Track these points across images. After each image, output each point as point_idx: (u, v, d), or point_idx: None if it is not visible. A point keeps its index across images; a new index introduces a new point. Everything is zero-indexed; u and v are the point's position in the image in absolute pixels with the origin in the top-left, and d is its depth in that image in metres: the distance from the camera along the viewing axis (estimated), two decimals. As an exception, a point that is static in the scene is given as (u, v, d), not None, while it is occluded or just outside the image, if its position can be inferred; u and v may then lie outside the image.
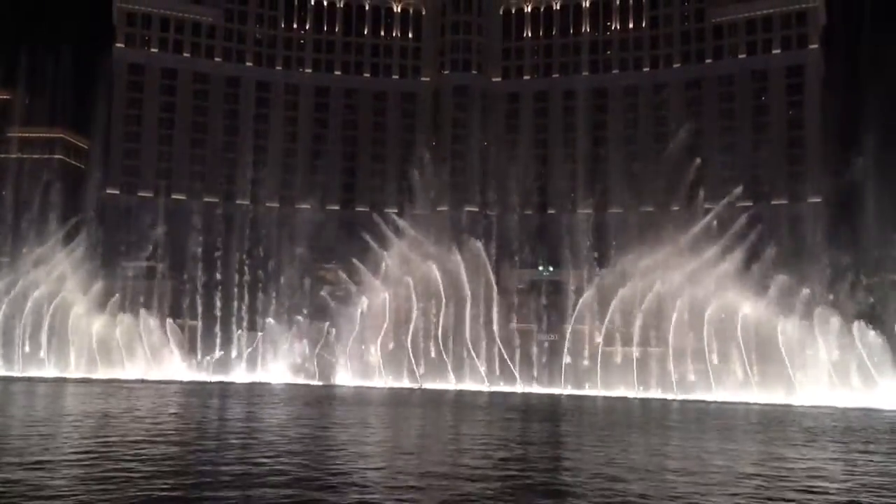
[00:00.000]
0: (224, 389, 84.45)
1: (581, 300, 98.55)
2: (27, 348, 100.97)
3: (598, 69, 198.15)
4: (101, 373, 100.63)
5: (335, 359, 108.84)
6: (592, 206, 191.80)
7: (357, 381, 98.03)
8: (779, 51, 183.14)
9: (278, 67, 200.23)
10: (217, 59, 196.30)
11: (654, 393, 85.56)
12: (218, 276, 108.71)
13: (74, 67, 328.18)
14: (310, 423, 50.39)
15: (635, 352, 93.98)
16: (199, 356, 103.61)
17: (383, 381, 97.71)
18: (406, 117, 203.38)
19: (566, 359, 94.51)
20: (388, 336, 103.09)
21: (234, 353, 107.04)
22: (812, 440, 45.29)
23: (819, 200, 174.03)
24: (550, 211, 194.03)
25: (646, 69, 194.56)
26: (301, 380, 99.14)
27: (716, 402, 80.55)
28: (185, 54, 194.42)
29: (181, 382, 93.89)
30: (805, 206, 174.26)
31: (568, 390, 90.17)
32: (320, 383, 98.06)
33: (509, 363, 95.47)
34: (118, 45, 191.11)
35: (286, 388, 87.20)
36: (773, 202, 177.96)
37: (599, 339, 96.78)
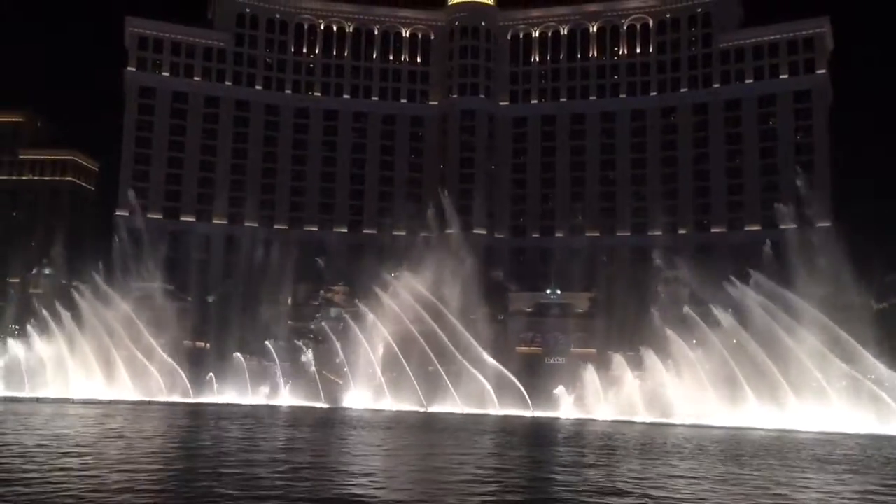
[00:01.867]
0: (232, 412, 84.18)
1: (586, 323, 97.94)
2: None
3: (605, 93, 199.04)
4: (103, 394, 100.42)
5: (341, 381, 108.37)
6: (600, 229, 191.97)
7: (364, 403, 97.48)
8: (786, 76, 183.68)
9: (287, 91, 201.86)
10: (227, 83, 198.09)
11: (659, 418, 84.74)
12: (220, 297, 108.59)
13: (86, 90, 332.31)
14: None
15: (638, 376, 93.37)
16: (207, 378, 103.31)
17: (389, 403, 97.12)
18: (414, 141, 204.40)
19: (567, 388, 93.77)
20: (395, 359, 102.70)
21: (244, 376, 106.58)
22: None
23: (828, 225, 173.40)
24: (558, 234, 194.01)
25: (653, 93, 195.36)
26: (306, 402, 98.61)
27: (724, 426, 79.69)
28: (196, 78, 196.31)
29: (185, 404, 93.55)
30: (813, 230, 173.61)
31: (572, 415, 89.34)
32: (326, 405, 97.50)
33: (519, 386, 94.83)
34: (129, 68, 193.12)
35: (294, 411, 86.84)
36: (782, 227, 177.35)
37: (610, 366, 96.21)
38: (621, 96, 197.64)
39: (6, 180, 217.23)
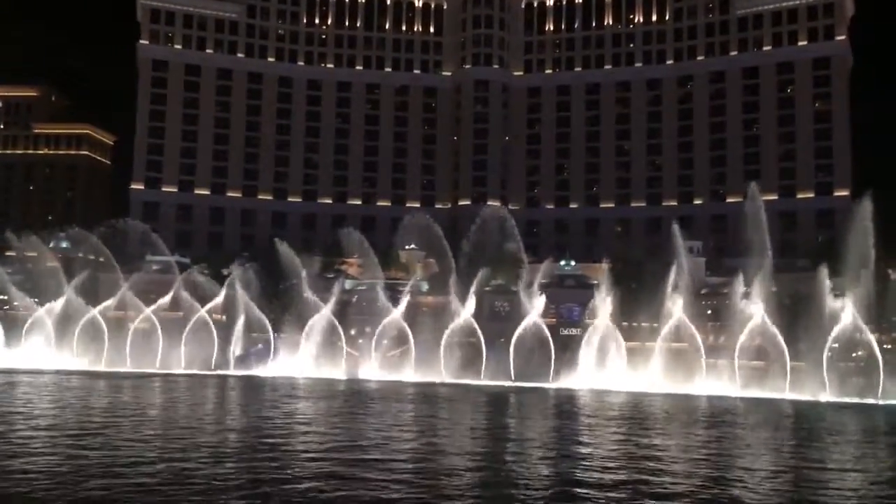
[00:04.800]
0: (255, 382, 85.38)
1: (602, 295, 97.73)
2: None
3: (620, 62, 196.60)
4: (132, 366, 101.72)
5: (357, 353, 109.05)
6: (614, 200, 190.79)
7: (382, 375, 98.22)
8: (805, 42, 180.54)
9: (300, 63, 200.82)
10: (240, 55, 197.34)
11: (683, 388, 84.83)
12: (241, 269, 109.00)
13: (100, 64, 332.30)
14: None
15: (659, 346, 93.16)
16: (231, 350, 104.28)
17: (408, 375, 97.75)
18: (427, 112, 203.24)
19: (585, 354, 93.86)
20: (410, 332, 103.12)
21: (260, 347, 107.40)
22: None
23: (846, 194, 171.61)
24: (573, 205, 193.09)
25: (669, 62, 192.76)
26: (324, 374, 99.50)
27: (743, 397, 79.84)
28: (209, 50, 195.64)
29: (210, 376, 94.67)
30: (832, 199, 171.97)
31: (588, 385, 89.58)
32: (345, 377, 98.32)
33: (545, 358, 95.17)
34: (142, 41, 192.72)
35: (315, 383, 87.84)
36: (799, 196, 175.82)
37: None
38: (637, 65, 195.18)
39: (22, 154, 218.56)
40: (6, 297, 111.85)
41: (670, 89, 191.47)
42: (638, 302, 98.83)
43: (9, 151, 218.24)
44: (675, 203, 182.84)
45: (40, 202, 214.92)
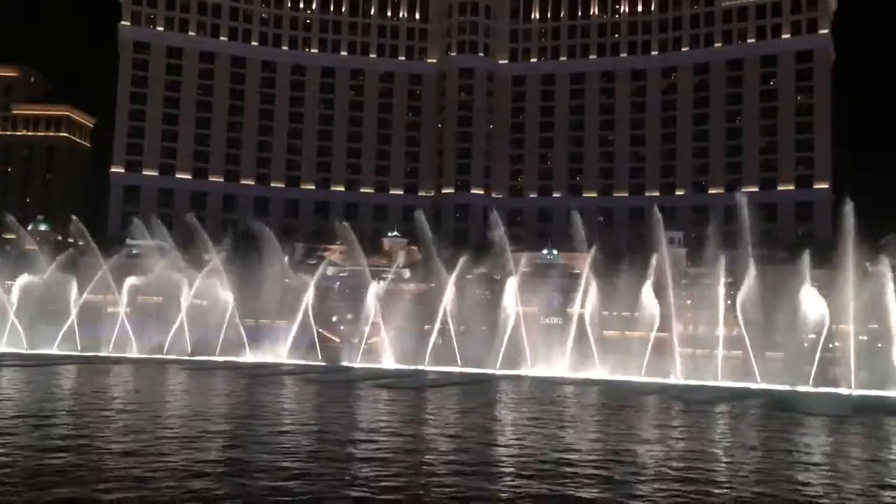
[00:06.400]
0: (239, 370, 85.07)
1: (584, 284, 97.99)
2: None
3: (606, 52, 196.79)
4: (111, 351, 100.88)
5: (338, 340, 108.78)
6: (598, 190, 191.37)
7: (363, 363, 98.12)
8: (788, 35, 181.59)
9: (284, 47, 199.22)
10: (223, 39, 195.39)
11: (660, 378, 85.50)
12: (215, 252, 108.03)
13: (82, 46, 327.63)
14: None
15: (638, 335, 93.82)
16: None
17: (388, 362, 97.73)
18: (412, 99, 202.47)
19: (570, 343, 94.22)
20: (392, 319, 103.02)
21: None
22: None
23: (826, 186, 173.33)
24: (556, 194, 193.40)
25: (654, 53, 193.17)
26: (302, 360, 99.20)
27: (720, 386, 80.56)
28: (191, 33, 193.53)
29: (198, 362, 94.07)
30: (812, 192, 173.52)
31: (570, 374, 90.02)
32: (324, 363, 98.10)
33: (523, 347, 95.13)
34: (124, 22, 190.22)
35: (297, 370, 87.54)
36: (780, 188, 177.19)
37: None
38: (622, 55, 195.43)
39: (2, 136, 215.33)
40: None
41: (655, 80, 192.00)
42: (619, 292, 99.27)
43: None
44: (658, 193, 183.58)
45: (18, 184, 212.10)
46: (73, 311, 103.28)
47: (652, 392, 71.15)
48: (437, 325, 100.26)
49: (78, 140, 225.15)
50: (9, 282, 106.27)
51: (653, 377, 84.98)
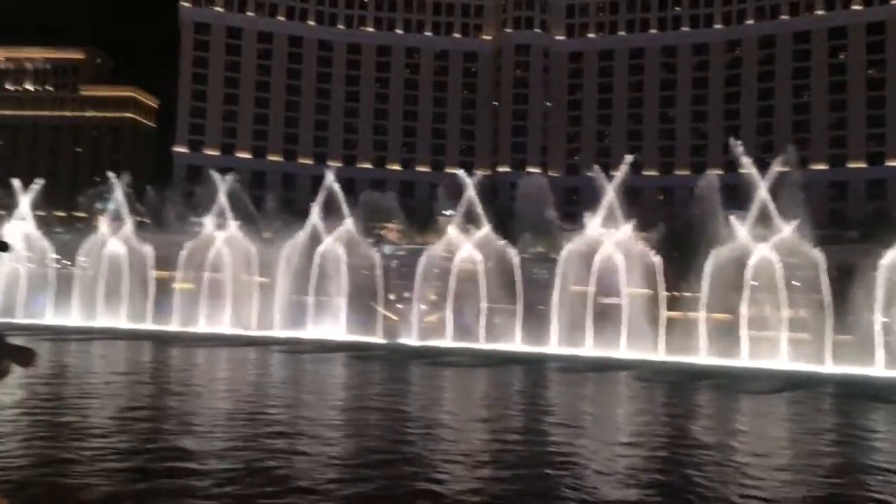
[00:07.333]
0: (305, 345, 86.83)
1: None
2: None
3: (666, 26, 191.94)
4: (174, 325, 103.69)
5: (397, 318, 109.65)
6: (658, 168, 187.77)
7: (420, 341, 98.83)
8: (859, 6, 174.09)
9: (340, 26, 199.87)
10: (280, 18, 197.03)
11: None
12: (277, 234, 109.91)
13: (147, 26, 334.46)
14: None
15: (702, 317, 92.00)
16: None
17: (444, 341, 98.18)
18: (467, 76, 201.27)
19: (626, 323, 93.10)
20: (450, 297, 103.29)
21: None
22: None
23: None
24: (614, 173, 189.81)
25: (717, 26, 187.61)
26: (363, 338, 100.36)
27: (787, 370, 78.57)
28: (249, 13, 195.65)
29: (248, 337, 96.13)
30: (884, 169, 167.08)
31: (626, 354, 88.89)
32: (384, 341, 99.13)
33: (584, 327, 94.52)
34: (184, 3, 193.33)
35: (367, 347, 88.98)
36: (850, 165, 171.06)
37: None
38: (683, 29, 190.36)
39: (69, 116, 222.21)
40: (59, 257, 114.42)
41: (718, 54, 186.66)
42: (681, 271, 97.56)
43: (57, 113, 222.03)
44: (722, 172, 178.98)
45: (87, 164, 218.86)
46: (151, 286, 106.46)
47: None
48: (489, 304, 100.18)
49: (143, 120, 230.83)
50: (81, 258, 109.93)
51: (719, 359, 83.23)
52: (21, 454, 25.56)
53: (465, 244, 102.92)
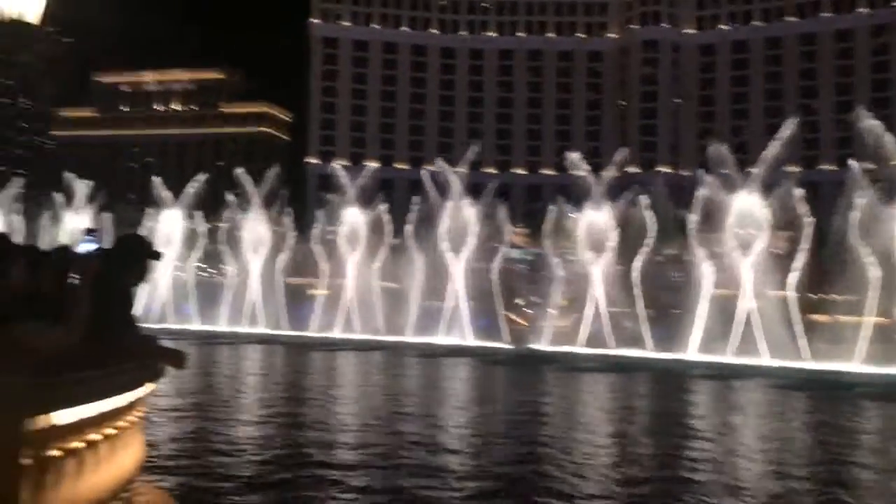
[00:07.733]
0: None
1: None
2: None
3: (805, 14, 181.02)
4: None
5: (526, 323, 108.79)
6: (798, 163, 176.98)
7: (548, 346, 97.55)
8: None
9: (462, 33, 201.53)
10: (404, 28, 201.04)
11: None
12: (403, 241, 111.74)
13: (276, 44, 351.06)
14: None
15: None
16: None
17: (579, 346, 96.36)
18: (592, 77, 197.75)
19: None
20: (579, 302, 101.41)
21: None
22: None
23: None
24: (751, 169, 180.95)
25: (862, 10, 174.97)
26: (489, 343, 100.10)
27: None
28: (374, 26, 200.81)
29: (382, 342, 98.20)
30: None
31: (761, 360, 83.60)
32: (511, 346, 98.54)
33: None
34: (313, 20, 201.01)
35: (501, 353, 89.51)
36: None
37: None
38: (823, 15, 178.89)
39: (212, 133, 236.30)
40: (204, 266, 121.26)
41: (863, 41, 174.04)
42: (826, 272, 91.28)
43: (200, 131, 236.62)
44: (874, 165, 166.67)
45: (228, 177, 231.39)
46: (320, 292, 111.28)
47: None
48: (611, 309, 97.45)
49: (277, 134, 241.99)
50: (227, 267, 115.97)
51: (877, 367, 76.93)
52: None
53: (597, 249, 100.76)
